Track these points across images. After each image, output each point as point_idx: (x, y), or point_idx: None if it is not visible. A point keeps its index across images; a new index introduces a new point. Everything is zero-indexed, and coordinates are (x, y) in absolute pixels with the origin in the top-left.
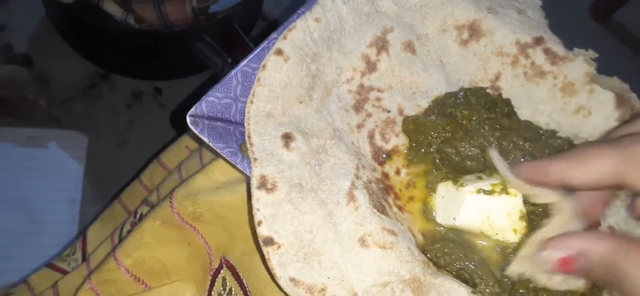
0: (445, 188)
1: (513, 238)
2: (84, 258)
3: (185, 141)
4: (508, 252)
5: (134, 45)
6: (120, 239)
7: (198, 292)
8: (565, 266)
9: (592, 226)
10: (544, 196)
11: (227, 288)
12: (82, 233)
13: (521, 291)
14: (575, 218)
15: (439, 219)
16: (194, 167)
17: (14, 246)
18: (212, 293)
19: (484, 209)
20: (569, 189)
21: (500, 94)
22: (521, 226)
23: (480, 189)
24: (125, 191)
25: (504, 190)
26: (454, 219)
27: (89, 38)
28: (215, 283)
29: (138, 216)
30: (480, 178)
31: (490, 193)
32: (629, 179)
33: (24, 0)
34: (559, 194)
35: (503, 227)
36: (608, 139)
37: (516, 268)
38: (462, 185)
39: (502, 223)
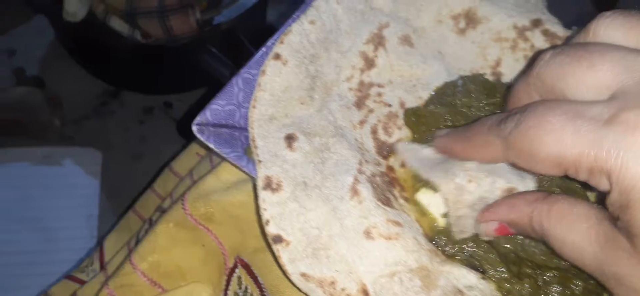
0: (425, 196)
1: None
2: (102, 268)
3: (195, 148)
4: None
5: (142, 60)
6: (136, 244)
7: (214, 293)
8: (505, 233)
9: None
10: None
11: (243, 287)
12: (99, 244)
13: (529, 271)
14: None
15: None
16: (204, 170)
17: (32, 264)
18: (228, 292)
19: None
20: None
21: (499, 79)
22: None
23: None
24: (139, 201)
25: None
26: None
27: (99, 57)
28: (231, 283)
29: (152, 223)
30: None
31: None
32: (518, 165)
33: (33, 25)
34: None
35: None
36: (498, 119)
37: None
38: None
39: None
